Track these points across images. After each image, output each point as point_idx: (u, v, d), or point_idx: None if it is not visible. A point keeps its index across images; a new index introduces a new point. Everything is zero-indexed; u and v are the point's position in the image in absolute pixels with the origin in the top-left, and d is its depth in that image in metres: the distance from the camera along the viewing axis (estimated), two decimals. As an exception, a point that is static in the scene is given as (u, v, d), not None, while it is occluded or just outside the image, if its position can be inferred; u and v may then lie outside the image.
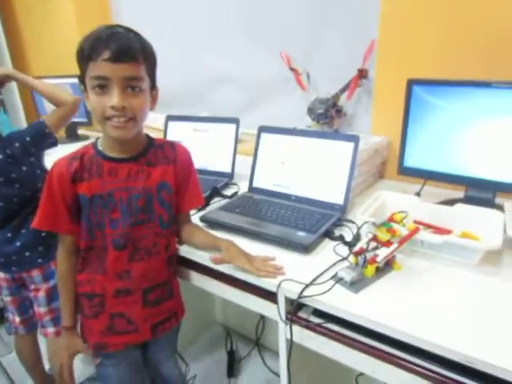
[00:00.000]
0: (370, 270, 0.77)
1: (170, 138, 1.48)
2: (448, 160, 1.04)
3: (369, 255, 0.78)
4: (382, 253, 0.78)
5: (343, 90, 1.44)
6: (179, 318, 1.03)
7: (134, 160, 0.88)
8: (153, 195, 0.88)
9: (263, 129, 1.23)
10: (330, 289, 0.74)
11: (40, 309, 1.25)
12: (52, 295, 1.24)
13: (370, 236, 0.81)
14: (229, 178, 1.35)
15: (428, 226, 0.95)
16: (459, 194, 1.09)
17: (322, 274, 0.80)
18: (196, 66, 1.92)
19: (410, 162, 1.10)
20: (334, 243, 0.93)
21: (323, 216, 1.01)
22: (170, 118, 1.51)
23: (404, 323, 0.66)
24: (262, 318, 1.59)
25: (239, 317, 1.80)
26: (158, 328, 0.96)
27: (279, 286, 0.78)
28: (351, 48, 1.41)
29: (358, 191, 1.21)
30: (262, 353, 1.63)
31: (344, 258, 0.85)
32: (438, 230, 0.92)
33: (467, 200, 1.02)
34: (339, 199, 1.06)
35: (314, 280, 0.78)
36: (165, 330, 0.98)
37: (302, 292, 0.75)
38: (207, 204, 1.16)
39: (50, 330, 1.25)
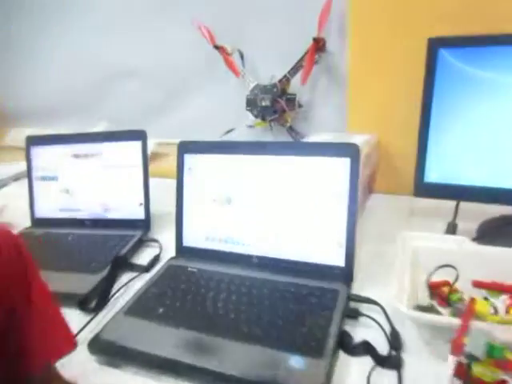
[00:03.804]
0: None
1: (35, 172, 0.92)
2: (498, 168, 0.64)
3: None
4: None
5: (294, 71, 1.01)
6: None
7: None
8: None
9: (185, 147, 0.73)
10: None
11: None
12: None
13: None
14: (143, 229, 0.83)
15: (495, 288, 0.55)
16: (500, 208, 0.70)
17: None
18: (84, 63, 1.33)
19: (434, 175, 0.68)
20: (357, 361, 0.48)
21: (321, 300, 0.56)
22: (32, 141, 0.93)
23: None
24: None
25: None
26: None
27: None
28: (299, 11, 0.98)
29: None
30: None
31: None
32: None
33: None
34: (338, 259, 0.61)
35: None
36: None
37: None
38: (105, 297, 0.65)
39: None
